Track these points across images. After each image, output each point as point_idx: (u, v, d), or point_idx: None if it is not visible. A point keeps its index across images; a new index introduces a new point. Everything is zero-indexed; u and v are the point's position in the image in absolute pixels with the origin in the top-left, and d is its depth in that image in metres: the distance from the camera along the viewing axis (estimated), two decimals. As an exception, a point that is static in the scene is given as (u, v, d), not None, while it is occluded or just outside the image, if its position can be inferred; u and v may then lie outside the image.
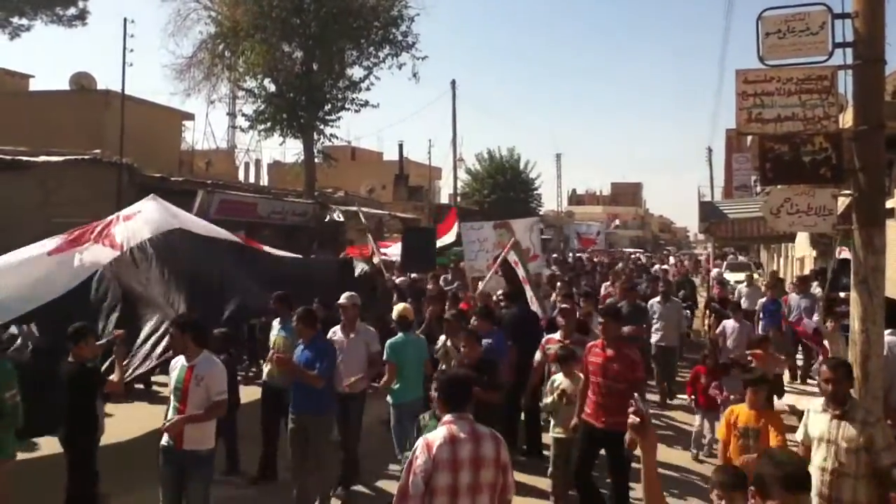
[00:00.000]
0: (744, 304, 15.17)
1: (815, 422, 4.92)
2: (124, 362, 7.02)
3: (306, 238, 23.01)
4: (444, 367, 7.93)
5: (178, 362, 5.93)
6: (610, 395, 6.44)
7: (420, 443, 3.96)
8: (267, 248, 10.98)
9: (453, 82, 37.19)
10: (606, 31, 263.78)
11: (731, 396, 8.02)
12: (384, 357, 7.80)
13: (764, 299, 13.62)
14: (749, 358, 8.74)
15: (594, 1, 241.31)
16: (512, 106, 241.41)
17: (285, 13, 27.25)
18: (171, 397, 5.88)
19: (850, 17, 5.61)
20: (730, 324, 11.14)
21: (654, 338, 11.73)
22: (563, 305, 9.01)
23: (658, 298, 12.17)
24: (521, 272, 10.70)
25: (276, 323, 8.47)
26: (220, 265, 9.03)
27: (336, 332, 7.76)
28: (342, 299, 7.91)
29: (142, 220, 8.98)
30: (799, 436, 5.11)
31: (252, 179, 41.50)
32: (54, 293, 7.69)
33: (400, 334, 8.03)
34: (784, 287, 15.29)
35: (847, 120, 5.99)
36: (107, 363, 7.09)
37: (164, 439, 5.81)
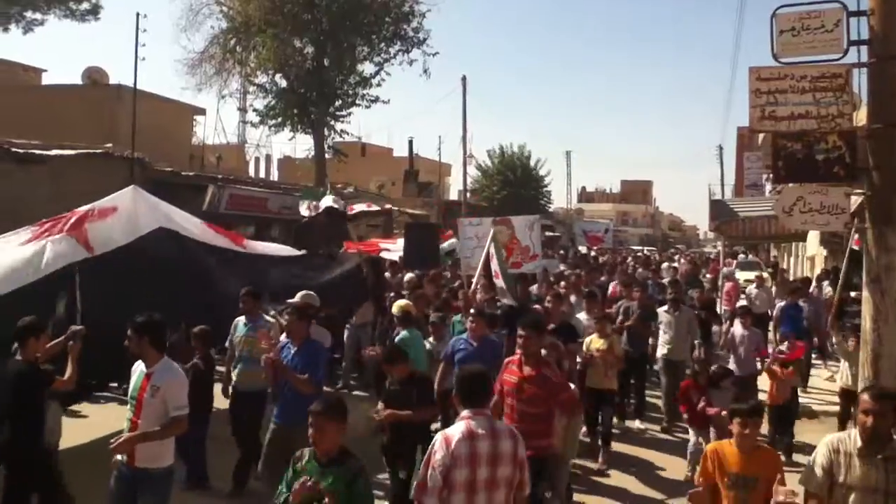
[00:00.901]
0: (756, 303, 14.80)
1: (843, 465, 3.96)
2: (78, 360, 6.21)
3: (314, 232, 23.04)
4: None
5: (138, 367, 5.31)
6: (522, 420, 5.48)
7: (439, 438, 4.01)
8: (260, 244, 10.46)
9: (464, 78, 37.09)
10: (618, 27, 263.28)
11: (723, 412, 7.30)
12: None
13: (783, 303, 12.57)
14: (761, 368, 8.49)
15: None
16: (522, 103, 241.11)
17: (297, 9, 27.34)
18: (128, 406, 5.29)
19: (865, 15, 5.58)
20: (738, 331, 10.24)
21: (661, 350, 10.42)
22: (536, 307, 8.37)
23: (666, 307, 10.75)
24: (494, 265, 10.73)
25: (241, 321, 7.77)
26: (198, 269, 8.49)
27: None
28: (296, 298, 7.44)
29: (117, 220, 8.21)
30: (811, 484, 4.07)
31: (262, 174, 41.55)
32: (16, 283, 7.02)
33: (405, 331, 7.82)
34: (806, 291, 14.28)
35: (861, 118, 5.95)
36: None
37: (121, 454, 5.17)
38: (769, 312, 14.35)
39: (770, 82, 5.71)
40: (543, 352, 6.33)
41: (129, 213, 8.32)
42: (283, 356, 6.41)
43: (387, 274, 14.47)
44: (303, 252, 11.15)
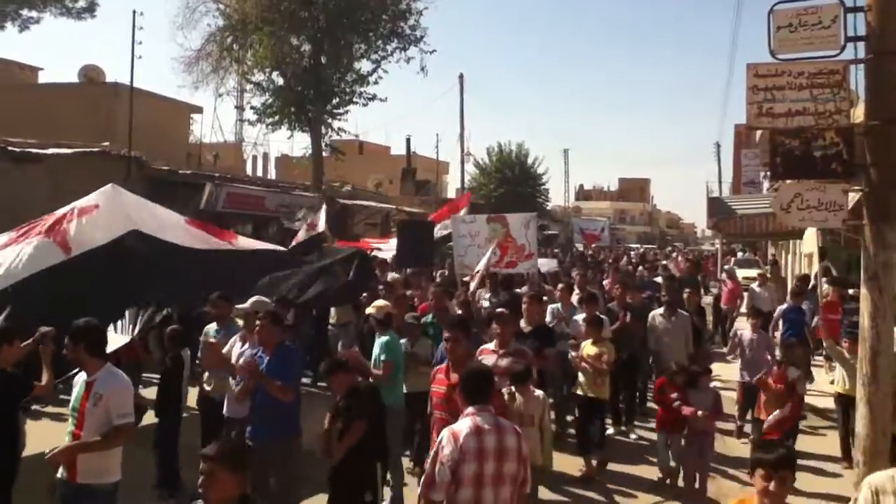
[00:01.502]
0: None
1: None
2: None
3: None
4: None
5: (80, 378, 4.98)
6: None
7: (446, 433, 4.06)
8: (242, 240, 10.05)
9: (461, 76, 37.22)
10: (615, 24, 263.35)
11: (700, 412, 7.18)
12: (384, 357, 7.21)
13: (784, 306, 12.06)
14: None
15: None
16: (520, 100, 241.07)
17: (294, 6, 27.28)
18: (70, 419, 4.94)
19: (862, 11, 5.57)
20: (746, 334, 9.72)
21: (655, 359, 9.83)
22: (499, 310, 7.21)
23: (661, 310, 10.01)
24: (480, 265, 10.75)
25: (212, 327, 7.51)
26: (180, 269, 8.25)
27: (236, 343, 6.91)
28: (247, 304, 6.99)
29: (98, 217, 8.09)
30: None
31: (260, 173, 41.50)
32: None
33: (385, 335, 7.42)
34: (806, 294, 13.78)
35: (858, 114, 5.94)
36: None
37: (60, 469, 4.79)
38: (772, 311, 13.87)
39: (767, 79, 5.70)
40: (503, 362, 6.20)
41: (109, 210, 8.23)
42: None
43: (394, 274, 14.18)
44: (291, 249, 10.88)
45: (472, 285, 10.79)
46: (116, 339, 6.81)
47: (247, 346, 6.78)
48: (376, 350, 7.37)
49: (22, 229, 7.84)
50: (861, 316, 5.74)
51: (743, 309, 15.60)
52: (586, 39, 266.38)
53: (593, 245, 31.35)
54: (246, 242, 10.03)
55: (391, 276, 12.93)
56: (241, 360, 6.52)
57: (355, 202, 28.75)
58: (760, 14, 5.74)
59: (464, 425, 4.06)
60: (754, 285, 16.05)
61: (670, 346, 9.51)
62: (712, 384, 7.81)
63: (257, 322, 6.32)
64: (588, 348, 8.26)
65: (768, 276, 17.91)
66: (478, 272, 10.85)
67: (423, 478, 4.08)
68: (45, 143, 17.55)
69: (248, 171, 39.53)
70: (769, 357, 9.16)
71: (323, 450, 5.58)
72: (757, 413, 8.27)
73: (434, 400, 5.51)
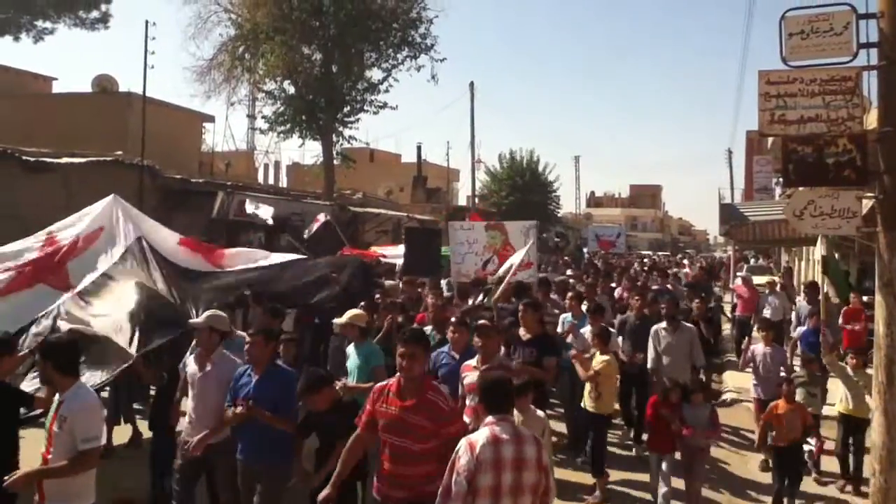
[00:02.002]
0: (766, 312, 13.81)
1: None
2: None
3: (326, 240, 23.11)
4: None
5: (57, 396, 4.72)
6: (399, 461, 4.52)
7: (463, 443, 4.03)
8: (232, 258, 9.40)
9: (471, 84, 37.24)
10: (625, 32, 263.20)
11: (696, 429, 6.81)
12: (375, 363, 6.88)
13: (804, 328, 10.90)
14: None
15: (614, 3, 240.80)
16: (531, 108, 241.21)
17: (305, 15, 27.43)
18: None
19: (875, 18, 5.55)
20: (759, 349, 9.19)
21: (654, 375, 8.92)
22: (480, 322, 6.61)
23: (664, 323, 9.08)
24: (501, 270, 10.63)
25: (190, 359, 6.42)
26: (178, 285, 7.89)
27: (188, 363, 6.17)
28: (200, 318, 6.27)
29: (101, 244, 7.84)
30: None
31: (271, 181, 41.75)
32: None
33: (364, 345, 7.09)
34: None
35: (871, 121, 5.92)
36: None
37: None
38: (785, 320, 13.60)
39: (779, 86, 5.69)
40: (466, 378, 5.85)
41: (112, 230, 8.00)
42: (241, 385, 5.65)
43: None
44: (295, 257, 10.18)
45: (497, 294, 10.48)
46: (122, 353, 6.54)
47: (192, 366, 6.06)
48: (356, 360, 7.02)
49: (24, 268, 7.41)
50: (876, 323, 5.70)
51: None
52: (597, 46, 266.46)
53: (608, 252, 30.98)
54: (237, 259, 9.35)
55: (388, 283, 12.56)
56: (240, 394, 5.73)
57: (366, 210, 28.82)
58: (772, 21, 5.73)
59: (481, 435, 4.03)
60: (765, 293, 15.42)
61: (673, 362, 8.71)
62: (725, 396, 7.67)
63: (247, 339, 5.85)
64: (596, 360, 7.92)
65: (778, 282, 16.97)
66: (497, 278, 10.68)
67: (440, 489, 4.03)
68: (58, 152, 17.69)
69: (260, 179, 39.74)
70: (783, 373, 8.74)
71: (302, 475, 5.35)
72: (774, 441, 7.56)
73: (380, 423, 4.62)
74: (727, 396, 11.83)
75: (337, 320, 7.36)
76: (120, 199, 8.44)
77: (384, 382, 4.79)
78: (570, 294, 10.65)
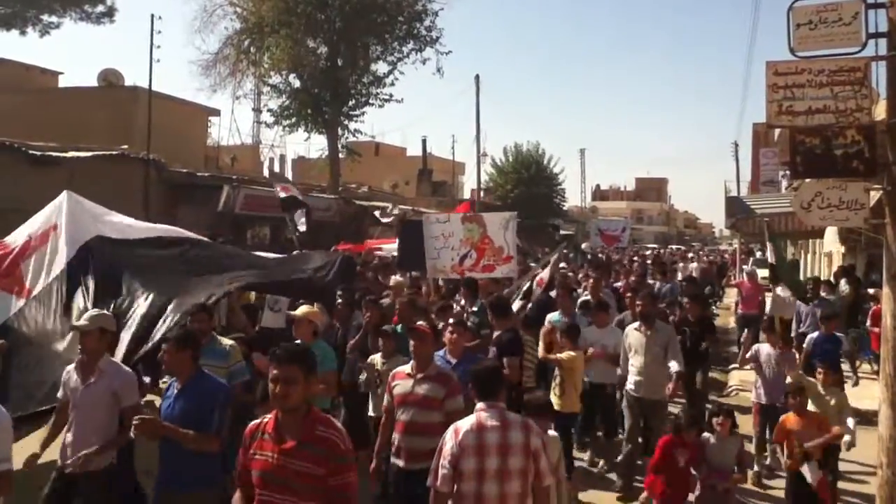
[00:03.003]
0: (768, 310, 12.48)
1: None
2: None
3: (331, 233, 23.13)
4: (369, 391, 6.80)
5: None
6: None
7: (450, 430, 4.22)
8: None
9: (477, 77, 37.14)
10: (631, 24, 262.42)
11: (722, 470, 5.96)
12: (327, 367, 6.28)
13: (816, 334, 9.69)
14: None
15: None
16: (536, 101, 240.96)
17: (310, 9, 27.44)
18: None
19: (884, 7, 5.50)
20: (765, 349, 8.36)
21: (629, 384, 7.83)
22: (417, 324, 5.71)
23: (637, 322, 8.06)
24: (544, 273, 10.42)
25: (71, 369, 5.64)
26: (145, 274, 7.26)
27: (70, 373, 5.39)
28: (83, 320, 5.47)
29: (56, 242, 7.41)
30: None
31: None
32: None
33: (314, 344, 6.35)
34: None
35: (880, 112, 5.88)
36: None
37: None
38: (794, 319, 12.45)
39: (787, 77, 5.64)
40: (421, 389, 5.13)
41: (67, 228, 7.51)
42: (164, 404, 4.95)
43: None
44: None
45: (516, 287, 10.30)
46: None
47: (74, 378, 5.31)
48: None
49: None
50: (883, 315, 5.67)
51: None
52: (602, 39, 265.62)
53: (613, 247, 30.09)
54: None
55: (394, 278, 11.97)
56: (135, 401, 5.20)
57: (371, 203, 28.83)
58: (779, 12, 5.69)
59: (467, 422, 4.20)
60: (778, 290, 14.81)
61: (646, 367, 7.66)
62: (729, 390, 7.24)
63: (163, 347, 5.21)
64: (562, 354, 7.56)
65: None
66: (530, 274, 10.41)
67: (431, 471, 4.22)
68: (64, 146, 17.73)
69: (266, 173, 39.75)
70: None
71: None
72: (787, 466, 6.51)
73: (255, 474, 3.88)
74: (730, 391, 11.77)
75: (295, 312, 6.74)
76: (75, 195, 7.92)
77: (257, 421, 3.77)
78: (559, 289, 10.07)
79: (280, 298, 8.90)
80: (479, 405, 4.27)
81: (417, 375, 5.22)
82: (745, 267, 18.89)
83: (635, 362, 7.77)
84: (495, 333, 7.39)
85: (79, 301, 6.87)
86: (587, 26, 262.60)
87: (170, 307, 6.55)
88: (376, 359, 6.79)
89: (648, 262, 23.50)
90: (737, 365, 13.51)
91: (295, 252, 10.34)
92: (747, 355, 8.70)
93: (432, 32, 29.75)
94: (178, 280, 7.23)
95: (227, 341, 6.44)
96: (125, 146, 19.84)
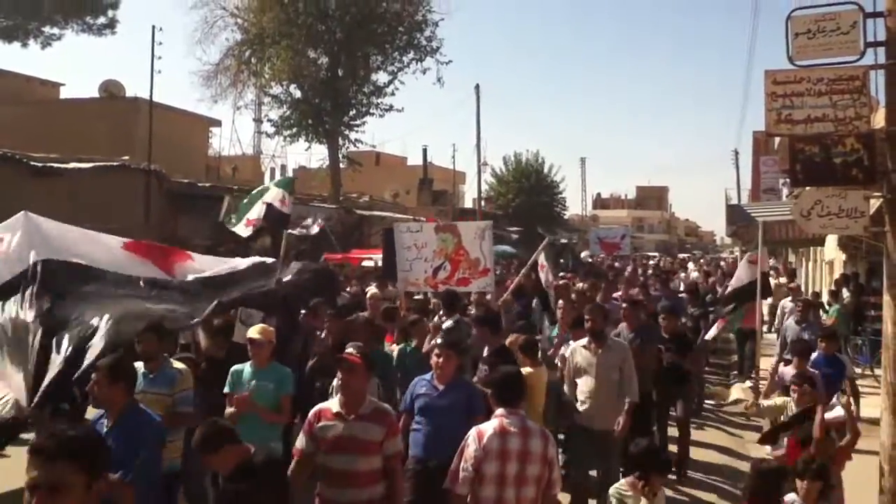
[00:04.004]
0: (790, 321, 11.25)
1: None
2: None
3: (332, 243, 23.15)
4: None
5: None
6: None
7: (472, 432, 4.24)
8: (196, 263, 8.54)
9: (477, 87, 37.19)
10: (631, 33, 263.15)
11: None
12: (284, 391, 5.94)
13: (815, 355, 8.00)
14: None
15: (619, 4, 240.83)
16: (536, 109, 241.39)
17: (311, 19, 27.54)
18: None
19: (882, 16, 5.53)
20: (789, 371, 7.45)
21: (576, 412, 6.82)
22: (345, 352, 4.88)
23: (584, 340, 6.92)
24: (545, 276, 10.30)
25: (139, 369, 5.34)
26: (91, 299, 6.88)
27: None
28: None
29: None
30: None
31: (278, 185, 41.77)
32: None
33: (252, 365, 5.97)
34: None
35: (879, 120, 5.89)
36: None
37: None
38: (778, 342, 11.66)
39: (786, 85, 5.66)
40: (358, 431, 4.36)
41: (16, 244, 7.17)
42: None
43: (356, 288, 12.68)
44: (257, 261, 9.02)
45: (505, 295, 10.12)
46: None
47: None
48: (262, 384, 5.87)
49: None
50: (884, 323, 5.68)
51: (771, 333, 13.92)
52: (602, 48, 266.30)
53: (613, 255, 29.66)
54: (199, 264, 8.52)
55: (370, 290, 11.25)
56: None
57: (372, 213, 28.86)
58: (778, 20, 5.71)
59: (490, 426, 4.22)
60: (785, 301, 13.58)
61: (595, 393, 6.63)
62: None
63: (93, 376, 4.73)
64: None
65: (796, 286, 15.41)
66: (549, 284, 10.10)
67: (450, 472, 4.23)
68: (66, 157, 17.79)
69: (267, 182, 39.79)
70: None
71: None
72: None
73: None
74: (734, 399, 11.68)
75: (250, 333, 6.08)
76: (32, 215, 7.53)
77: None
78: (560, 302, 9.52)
79: (253, 312, 8.21)
80: (500, 411, 4.30)
81: (349, 416, 4.36)
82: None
83: (584, 386, 6.71)
84: (485, 350, 6.97)
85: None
86: (587, 34, 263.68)
87: (105, 323, 6.15)
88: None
89: (650, 271, 23.12)
90: (736, 373, 13.61)
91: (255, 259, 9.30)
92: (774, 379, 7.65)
93: (432, 42, 29.88)
94: (128, 303, 6.79)
95: (178, 365, 5.87)
96: (126, 157, 19.89)
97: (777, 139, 23.99)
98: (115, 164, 18.72)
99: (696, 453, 8.85)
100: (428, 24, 29.74)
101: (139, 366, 5.44)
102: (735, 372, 13.65)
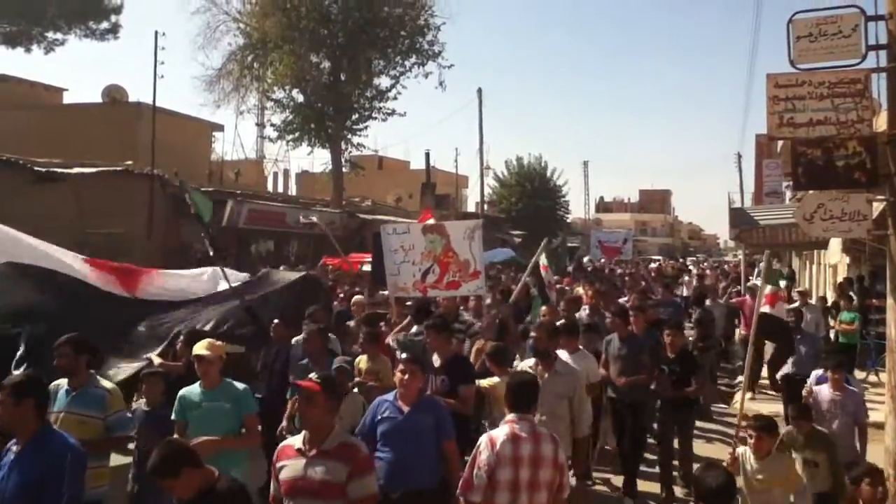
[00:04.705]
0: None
1: None
2: None
3: (334, 248, 23.21)
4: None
5: None
6: None
7: (484, 439, 4.25)
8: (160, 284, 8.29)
9: (479, 90, 37.20)
10: (634, 36, 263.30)
11: None
12: (246, 410, 5.37)
13: (819, 373, 7.42)
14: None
15: (621, 7, 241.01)
16: (539, 113, 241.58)
17: (313, 24, 27.61)
18: None
19: (883, 19, 5.52)
20: (824, 393, 6.63)
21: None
22: (310, 379, 4.10)
23: (531, 361, 6.40)
24: (547, 278, 10.19)
25: (62, 386, 5.16)
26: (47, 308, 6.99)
27: None
28: None
29: None
30: None
31: (280, 189, 41.85)
32: None
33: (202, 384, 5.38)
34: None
35: (881, 123, 5.88)
36: None
37: None
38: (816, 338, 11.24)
39: (788, 89, 5.66)
40: (316, 472, 3.79)
41: None
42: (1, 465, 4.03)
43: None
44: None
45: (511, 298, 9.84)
46: None
47: None
48: (215, 405, 5.29)
49: None
50: (888, 326, 5.67)
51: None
52: (605, 51, 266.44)
53: (614, 259, 28.98)
54: (153, 286, 8.18)
55: (355, 298, 10.71)
56: None
57: (375, 217, 28.88)
58: (781, 23, 5.70)
59: (501, 432, 4.23)
60: (794, 306, 12.79)
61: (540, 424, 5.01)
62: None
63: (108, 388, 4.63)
64: (486, 381, 6.37)
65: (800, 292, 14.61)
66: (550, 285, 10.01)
67: (461, 480, 4.23)
68: (69, 162, 17.83)
69: (270, 187, 39.86)
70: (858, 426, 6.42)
71: None
72: None
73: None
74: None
75: (196, 349, 5.47)
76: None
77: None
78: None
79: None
80: (510, 416, 4.31)
81: (310, 452, 3.84)
82: (748, 283, 16.84)
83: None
84: (435, 358, 6.44)
85: None
86: (589, 39, 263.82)
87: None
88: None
89: (653, 274, 22.53)
90: (741, 380, 13.43)
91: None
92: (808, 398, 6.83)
93: (434, 46, 29.96)
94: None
95: (106, 384, 5.30)
96: (129, 162, 19.94)
97: (780, 142, 23.95)
98: (118, 168, 18.76)
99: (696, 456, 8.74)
100: (430, 29, 29.83)
101: (62, 382, 5.16)
102: (740, 378, 13.51)
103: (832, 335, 13.17)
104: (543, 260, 10.30)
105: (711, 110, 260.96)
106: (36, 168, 16.64)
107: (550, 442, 4.28)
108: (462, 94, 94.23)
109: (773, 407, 9.84)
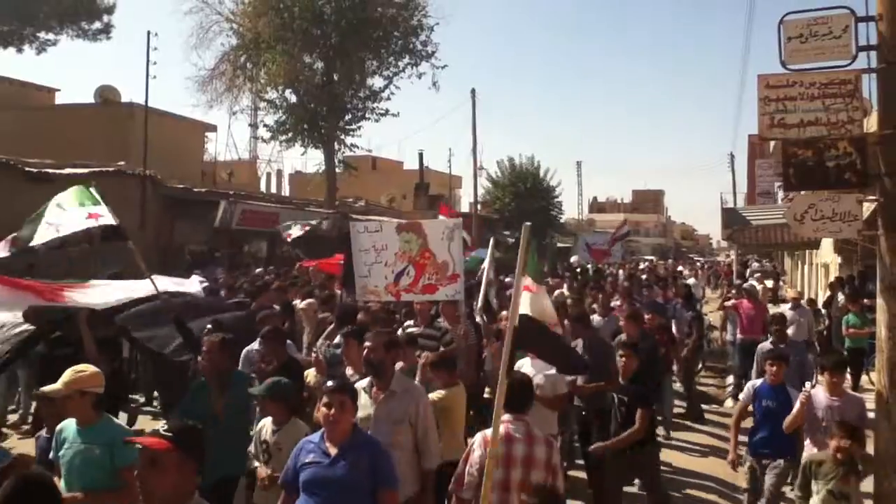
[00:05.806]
0: (790, 331, 10.59)
1: None
2: None
3: (328, 248, 23.18)
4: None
5: None
6: None
7: (478, 438, 4.29)
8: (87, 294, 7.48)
9: (473, 91, 37.23)
10: (627, 37, 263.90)
11: None
12: (122, 462, 4.18)
13: (756, 382, 7.02)
14: None
15: (614, 8, 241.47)
16: (532, 113, 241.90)
17: (306, 24, 27.57)
18: None
19: (873, 20, 5.54)
20: (821, 398, 5.94)
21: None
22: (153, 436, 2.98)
23: (365, 382, 5.08)
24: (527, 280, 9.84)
25: None
26: None
27: None
28: None
29: None
30: None
31: (274, 189, 41.82)
32: None
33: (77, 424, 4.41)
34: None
35: (871, 124, 5.91)
36: None
37: None
38: (809, 342, 11.66)
39: (779, 90, 5.67)
40: None
41: None
42: None
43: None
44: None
45: (479, 302, 8.88)
46: None
47: None
48: (83, 448, 4.33)
49: None
50: (878, 327, 5.68)
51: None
52: (598, 51, 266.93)
53: (604, 262, 27.79)
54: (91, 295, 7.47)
55: (305, 303, 10.16)
56: None
57: (368, 218, 28.85)
58: (772, 24, 5.72)
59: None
60: (786, 308, 12.43)
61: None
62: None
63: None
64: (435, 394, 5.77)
65: (794, 293, 14.22)
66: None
67: (454, 477, 4.26)
68: (61, 163, 17.77)
69: (263, 188, 39.81)
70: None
71: None
72: None
73: None
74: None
75: (45, 389, 4.50)
76: None
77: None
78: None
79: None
80: (506, 417, 4.30)
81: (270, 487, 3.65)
82: (745, 285, 16.06)
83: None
84: (350, 373, 5.88)
85: None
86: (583, 39, 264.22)
87: None
88: (265, 424, 4.87)
89: (643, 275, 21.64)
90: (732, 381, 13.39)
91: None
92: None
93: (428, 47, 29.96)
94: None
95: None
96: (122, 162, 19.88)
97: (772, 143, 24.04)
98: (110, 169, 18.68)
99: (688, 461, 8.86)
100: (423, 29, 29.82)
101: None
102: (731, 379, 13.52)
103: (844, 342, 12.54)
104: (486, 262, 9.56)
105: (704, 111, 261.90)
106: (28, 168, 16.57)
107: (544, 444, 4.30)
108: (455, 95, 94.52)
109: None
